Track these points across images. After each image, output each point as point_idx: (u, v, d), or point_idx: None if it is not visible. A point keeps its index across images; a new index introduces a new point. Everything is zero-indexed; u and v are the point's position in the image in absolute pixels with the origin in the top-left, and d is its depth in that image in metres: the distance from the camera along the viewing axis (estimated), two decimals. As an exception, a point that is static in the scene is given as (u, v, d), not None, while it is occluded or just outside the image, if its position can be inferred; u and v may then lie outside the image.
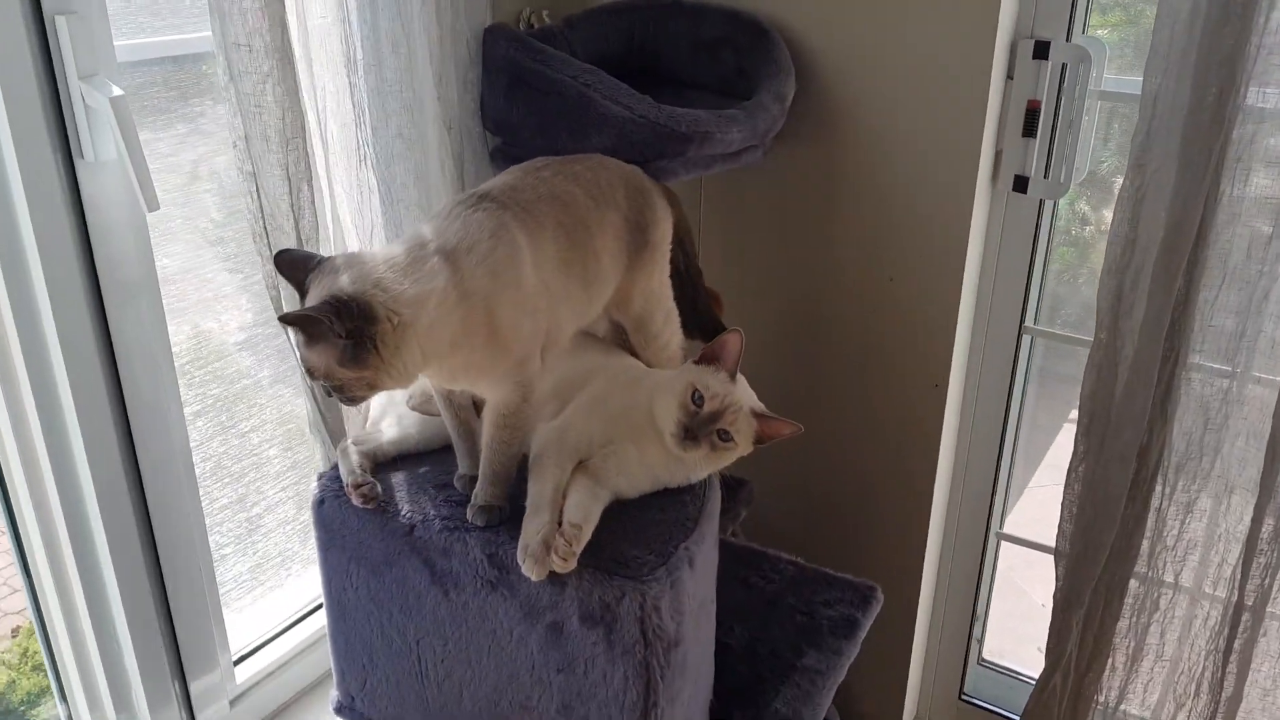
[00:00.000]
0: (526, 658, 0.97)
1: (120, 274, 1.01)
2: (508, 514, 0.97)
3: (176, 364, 1.13)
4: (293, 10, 1.01)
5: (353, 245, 1.17)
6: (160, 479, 1.11)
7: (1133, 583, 1.36)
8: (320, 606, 1.17)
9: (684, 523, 0.98)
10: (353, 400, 0.87)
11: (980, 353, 1.54)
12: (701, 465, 1.00)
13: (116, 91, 0.92)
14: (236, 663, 1.31)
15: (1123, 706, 1.44)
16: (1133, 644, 1.39)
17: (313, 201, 1.05)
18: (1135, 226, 1.19)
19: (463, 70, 1.23)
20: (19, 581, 1.12)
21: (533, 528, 0.92)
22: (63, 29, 0.90)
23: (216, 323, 1.24)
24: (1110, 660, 1.40)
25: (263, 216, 1.02)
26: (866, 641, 1.29)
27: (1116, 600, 1.36)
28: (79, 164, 0.95)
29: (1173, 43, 1.10)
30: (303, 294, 0.87)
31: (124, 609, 1.10)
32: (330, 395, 0.87)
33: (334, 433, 1.12)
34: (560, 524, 0.92)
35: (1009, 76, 1.35)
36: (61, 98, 0.93)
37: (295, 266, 0.88)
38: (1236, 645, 1.30)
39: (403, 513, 1.00)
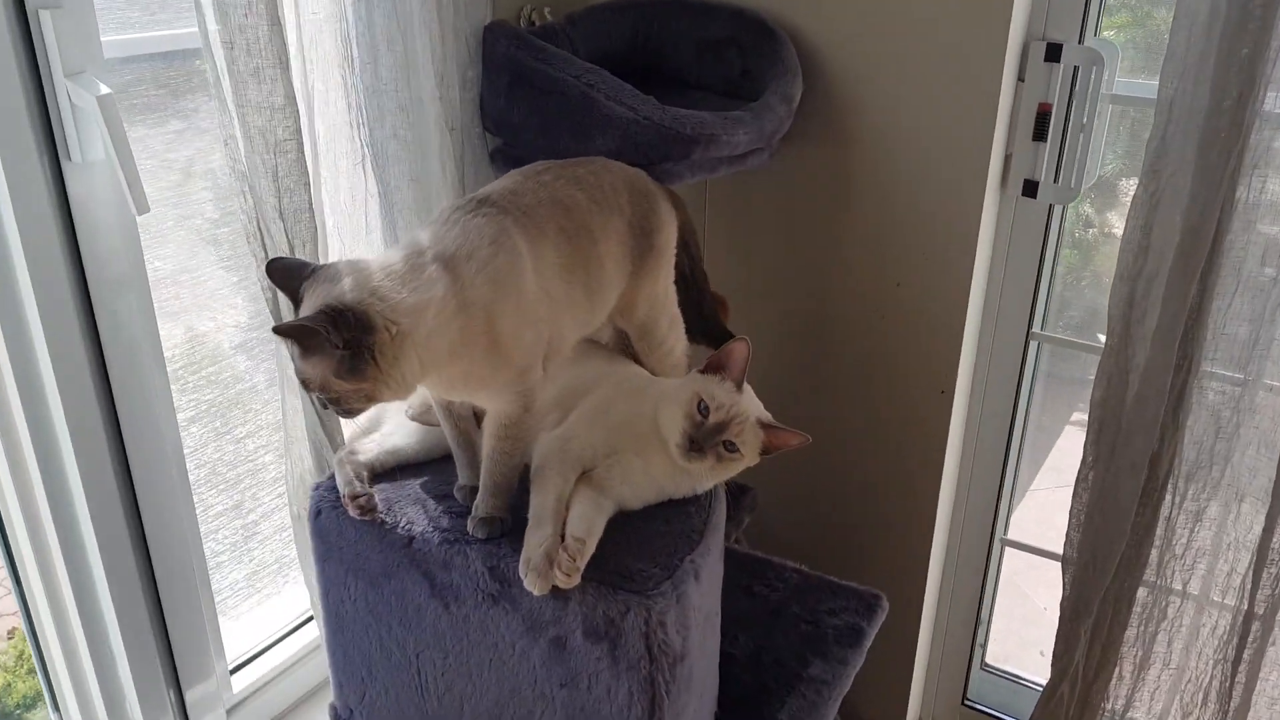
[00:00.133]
0: (529, 672, 0.96)
1: (110, 278, 0.99)
2: (509, 526, 0.95)
3: (170, 368, 1.12)
4: (289, 6, 0.99)
5: (348, 251, 1.14)
6: (153, 485, 1.09)
7: (1141, 591, 1.35)
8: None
9: (689, 534, 0.97)
10: (349, 413, 0.85)
11: (987, 359, 1.52)
12: (707, 477, 0.99)
13: (104, 90, 0.89)
14: (233, 671, 1.29)
15: (1130, 715, 1.43)
16: (1140, 653, 1.38)
17: (308, 203, 1.03)
18: (1149, 233, 1.17)
19: (462, 69, 1.20)
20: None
21: (535, 540, 0.90)
22: (47, 24, 0.87)
23: (213, 323, 1.22)
24: (1117, 669, 1.39)
25: (256, 217, 1.00)
26: (870, 646, 1.28)
27: (1125, 609, 1.35)
28: (65, 165, 0.93)
29: (1190, 46, 1.08)
30: (297, 303, 0.84)
31: (117, 617, 1.09)
32: (326, 408, 0.85)
33: (330, 441, 1.10)
34: (563, 537, 0.91)
35: (1020, 79, 1.33)
36: (47, 96, 0.90)
37: (289, 275, 0.85)
38: (1246, 655, 1.29)
39: (401, 524, 0.98)
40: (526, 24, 1.38)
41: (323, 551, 1.03)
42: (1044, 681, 1.48)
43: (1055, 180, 1.36)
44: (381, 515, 0.98)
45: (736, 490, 1.43)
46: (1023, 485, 1.67)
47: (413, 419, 1.07)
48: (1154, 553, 1.32)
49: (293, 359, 0.83)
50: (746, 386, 0.98)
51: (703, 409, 0.95)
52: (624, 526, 0.96)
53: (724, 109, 1.23)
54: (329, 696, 1.13)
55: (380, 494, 1.00)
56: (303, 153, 1.01)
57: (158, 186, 1.10)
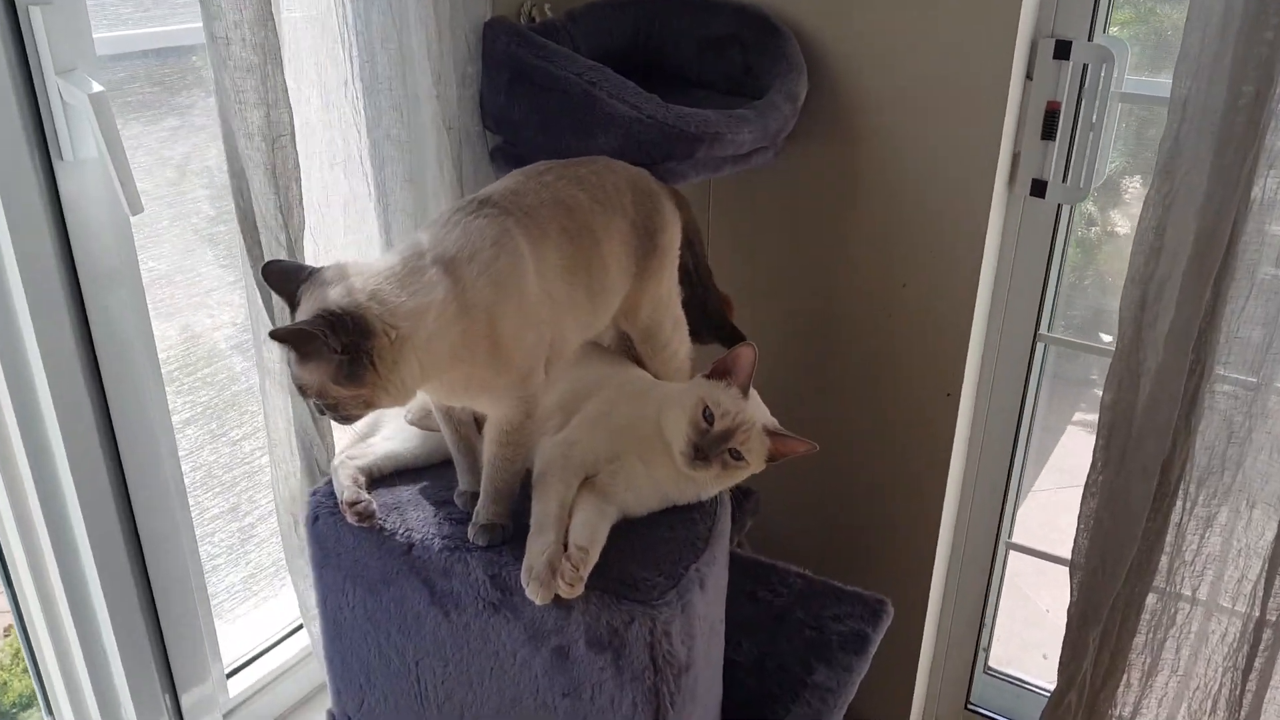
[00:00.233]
0: (530, 681, 0.94)
1: (103, 278, 0.98)
2: (511, 533, 0.93)
3: (166, 370, 1.10)
4: (284, 1, 0.97)
5: (345, 254, 1.12)
6: (147, 488, 1.08)
7: (1150, 598, 1.33)
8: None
9: (694, 542, 0.95)
10: (347, 419, 0.83)
11: (994, 361, 1.51)
12: (712, 484, 0.97)
13: (96, 87, 0.88)
14: (229, 675, 1.28)
15: (1137, 722, 1.42)
16: (1149, 659, 1.37)
17: (301, 200, 1.01)
18: (1162, 235, 1.15)
19: (461, 67, 1.18)
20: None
21: (537, 548, 0.88)
22: (38, 21, 0.86)
23: (210, 321, 1.20)
24: (1125, 676, 1.38)
25: (252, 214, 0.98)
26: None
27: (1134, 616, 1.34)
28: (57, 164, 0.91)
29: (1204, 45, 1.06)
30: (294, 307, 0.82)
31: (110, 620, 1.08)
32: (323, 414, 0.83)
33: (322, 443, 1.08)
34: (566, 545, 0.89)
35: (1028, 77, 1.31)
36: (38, 94, 0.88)
37: (286, 278, 0.83)
38: (1257, 663, 1.28)
39: (400, 531, 0.96)
40: (527, 20, 1.36)
41: (320, 558, 1.01)
42: (1047, 685, 1.47)
43: (1064, 180, 1.34)
44: (380, 521, 0.96)
45: (739, 494, 1.41)
46: (1025, 486, 1.66)
47: (412, 424, 1.05)
48: (1164, 559, 1.31)
49: (289, 364, 0.81)
50: (753, 392, 0.96)
51: (708, 416, 0.93)
52: (627, 533, 0.94)
53: (727, 107, 1.21)
54: (326, 701, 1.12)
55: (379, 500, 0.98)
56: (297, 149, 0.99)
57: (153, 183, 1.08)
